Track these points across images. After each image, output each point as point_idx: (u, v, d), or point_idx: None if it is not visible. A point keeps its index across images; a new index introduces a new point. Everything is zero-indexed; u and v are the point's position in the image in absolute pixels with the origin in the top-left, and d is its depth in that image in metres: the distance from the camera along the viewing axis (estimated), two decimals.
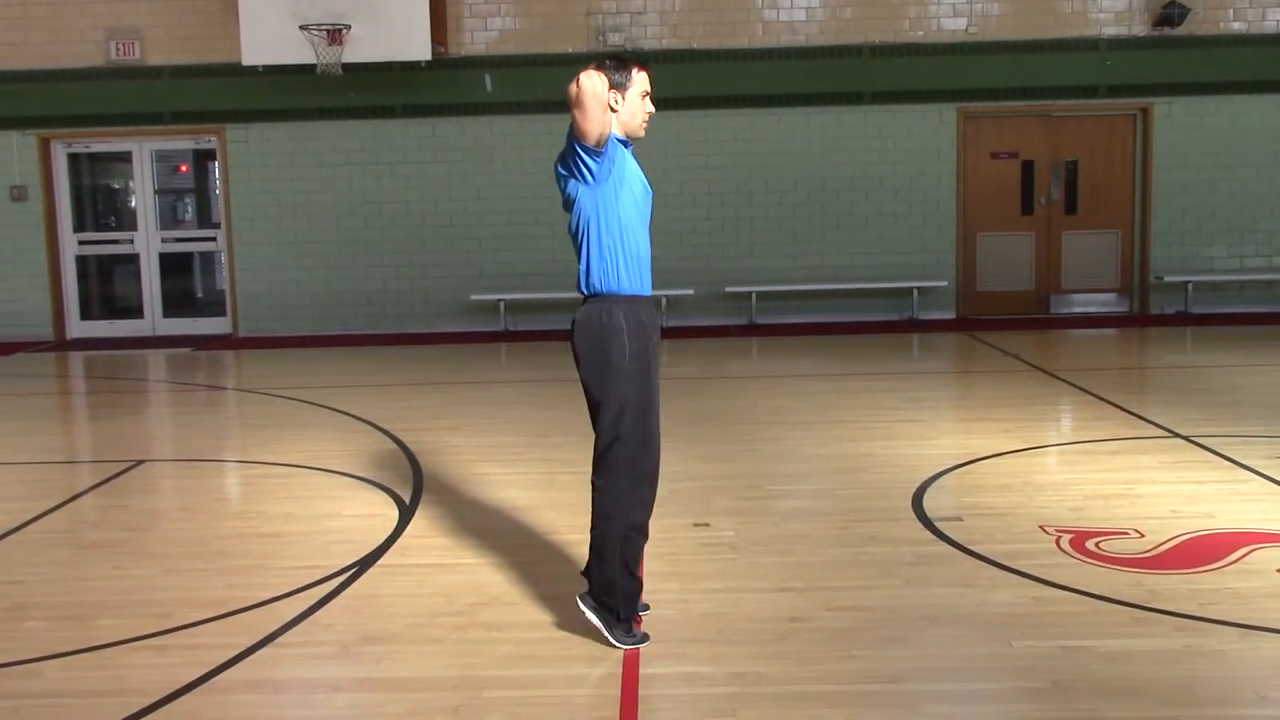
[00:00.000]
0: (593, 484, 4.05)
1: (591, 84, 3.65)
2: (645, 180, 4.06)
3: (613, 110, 3.87)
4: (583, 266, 4.01)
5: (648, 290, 4.05)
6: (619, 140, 3.94)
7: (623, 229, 3.94)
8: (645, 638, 4.07)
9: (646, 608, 4.38)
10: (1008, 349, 10.81)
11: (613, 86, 3.86)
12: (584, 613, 4.04)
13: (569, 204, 4.01)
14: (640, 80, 3.98)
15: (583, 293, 4.05)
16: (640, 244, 3.99)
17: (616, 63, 3.94)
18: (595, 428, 4.05)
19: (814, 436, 7.37)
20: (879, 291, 13.33)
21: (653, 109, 4.05)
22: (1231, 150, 13.15)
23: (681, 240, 13.20)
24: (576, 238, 4.02)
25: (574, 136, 3.78)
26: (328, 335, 13.27)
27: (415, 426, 7.91)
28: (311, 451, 7.26)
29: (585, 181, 3.90)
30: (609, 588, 4.00)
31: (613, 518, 3.99)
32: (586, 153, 3.81)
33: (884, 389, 9.06)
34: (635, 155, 4.08)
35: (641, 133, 4.05)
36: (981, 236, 13.50)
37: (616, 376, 3.93)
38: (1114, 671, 3.73)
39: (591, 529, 4.06)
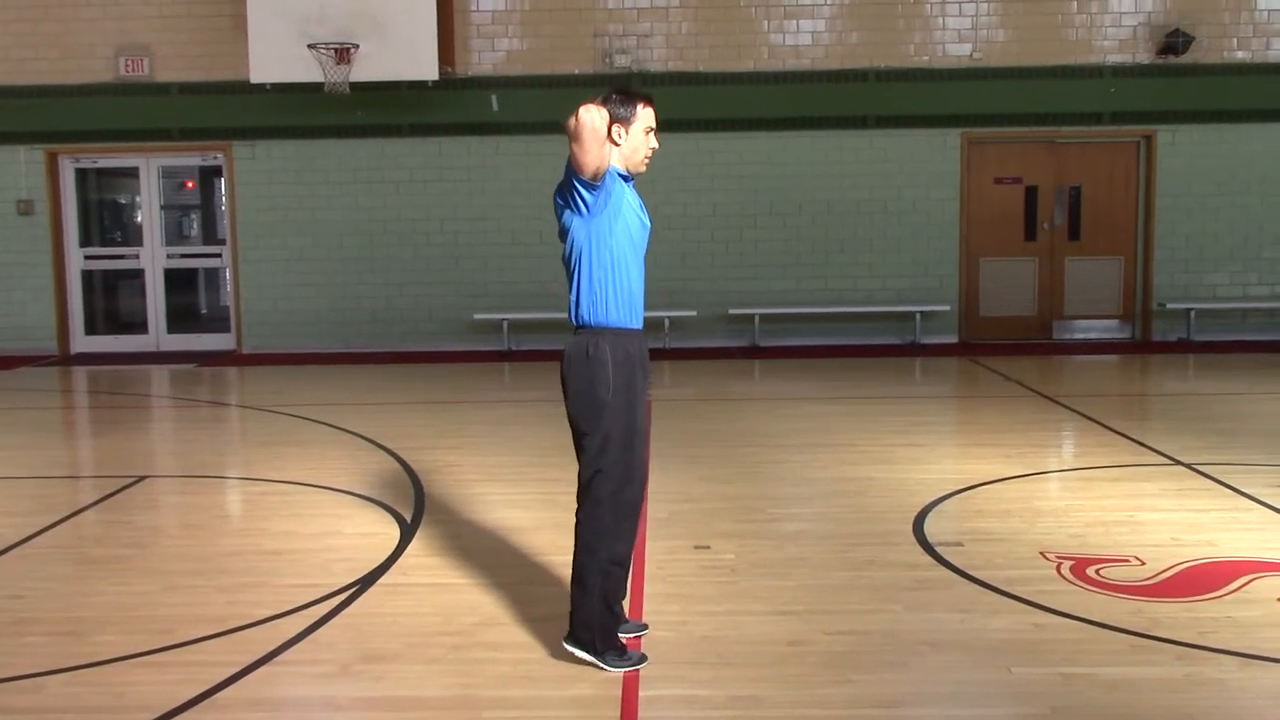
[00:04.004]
0: (576, 515, 4.06)
1: (590, 118, 3.64)
2: (644, 215, 4.07)
3: (615, 144, 3.88)
4: (573, 297, 4.02)
5: (638, 323, 4.05)
6: (620, 174, 3.94)
7: (615, 262, 3.94)
8: (642, 658, 4.07)
9: (645, 627, 4.40)
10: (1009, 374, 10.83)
11: (616, 120, 3.86)
12: (573, 653, 4.04)
13: (564, 233, 4.02)
14: (645, 116, 3.97)
15: (573, 324, 4.07)
16: (632, 278, 3.99)
17: (622, 96, 3.94)
18: (579, 458, 4.07)
19: (815, 459, 7.38)
20: (882, 315, 13.36)
21: (656, 145, 4.04)
22: (1235, 178, 13.20)
23: (685, 262, 13.24)
24: (569, 268, 4.03)
25: (571, 168, 3.80)
26: (331, 352, 13.30)
27: (417, 445, 7.92)
28: (314, 469, 7.27)
29: (580, 213, 3.91)
30: (587, 622, 4.00)
31: (595, 550, 3.99)
32: (582, 185, 3.81)
33: (886, 413, 9.07)
34: (637, 187, 4.09)
35: (643, 168, 4.05)
36: (984, 261, 13.53)
37: (601, 408, 3.94)
38: (1113, 699, 3.73)
39: (574, 561, 4.06)
